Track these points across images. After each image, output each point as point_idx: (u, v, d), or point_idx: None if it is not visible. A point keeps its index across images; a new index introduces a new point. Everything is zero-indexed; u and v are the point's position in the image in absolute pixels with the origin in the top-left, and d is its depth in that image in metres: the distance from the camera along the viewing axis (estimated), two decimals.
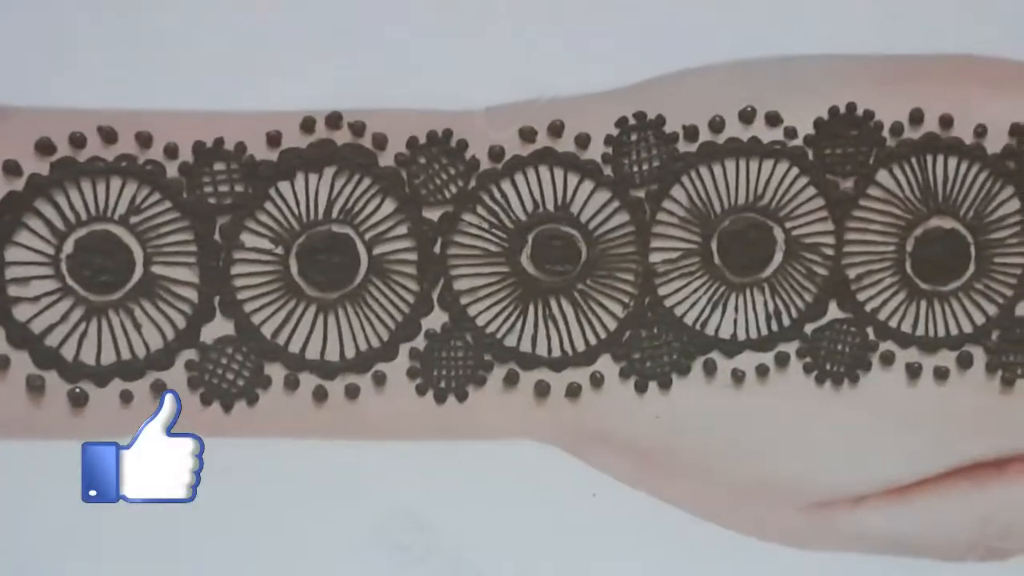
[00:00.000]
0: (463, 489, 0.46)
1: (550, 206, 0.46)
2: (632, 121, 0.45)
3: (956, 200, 0.46)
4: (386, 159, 0.45)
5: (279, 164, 0.44)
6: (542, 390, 0.46)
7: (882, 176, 0.46)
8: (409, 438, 0.46)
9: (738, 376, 0.46)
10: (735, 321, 0.46)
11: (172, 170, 0.44)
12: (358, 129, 0.45)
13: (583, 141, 0.45)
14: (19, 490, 0.44)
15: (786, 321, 0.46)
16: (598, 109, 0.45)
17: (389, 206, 0.45)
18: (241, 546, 0.45)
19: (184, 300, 0.44)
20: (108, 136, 0.43)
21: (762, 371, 0.46)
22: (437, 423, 0.46)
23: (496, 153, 0.45)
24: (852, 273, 0.46)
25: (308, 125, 0.44)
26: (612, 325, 0.46)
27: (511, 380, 0.46)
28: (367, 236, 0.45)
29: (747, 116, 0.45)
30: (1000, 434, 0.47)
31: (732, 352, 0.46)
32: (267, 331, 0.45)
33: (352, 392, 0.45)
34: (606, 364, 0.46)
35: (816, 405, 0.46)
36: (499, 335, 0.46)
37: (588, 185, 0.45)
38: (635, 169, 0.45)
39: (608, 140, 0.45)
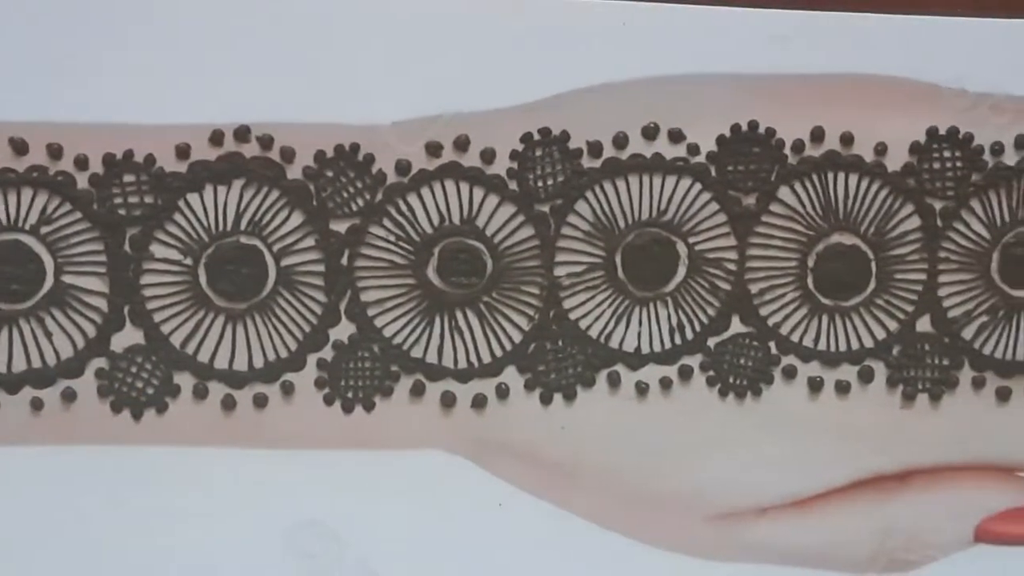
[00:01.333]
0: (371, 499, 0.46)
1: (456, 219, 0.45)
2: (537, 137, 0.45)
3: (857, 217, 0.46)
4: (294, 172, 0.45)
5: (188, 176, 0.44)
6: (448, 401, 0.45)
7: (784, 193, 0.45)
8: (317, 447, 0.45)
9: (642, 389, 0.46)
10: (639, 334, 0.46)
11: (83, 181, 0.44)
12: (266, 142, 0.44)
13: (488, 156, 0.45)
14: None
15: (689, 335, 0.46)
16: (503, 124, 0.45)
17: (297, 218, 0.45)
18: (150, 554, 0.44)
19: (94, 309, 0.44)
20: (19, 148, 0.43)
21: (666, 384, 0.46)
22: (345, 433, 0.46)
23: (403, 167, 0.45)
24: (754, 288, 0.46)
25: (216, 138, 0.44)
26: (517, 337, 0.46)
27: (417, 391, 0.45)
28: (275, 248, 0.45)
29: (650, 133, 0.45)
30: (901, 447, 0.46)
31: (636, 365, 0.46)
32: (176, 340, 0.44)
33: (260, 401, 0.45)
34: (511, 376, 0.46)
35: (719, 418, 0.46)
36: (406, 346, 0.45)
37: (493, 199, 0.45)
38: (540, 184, 0.45)
39: (513, 155, 0.45)
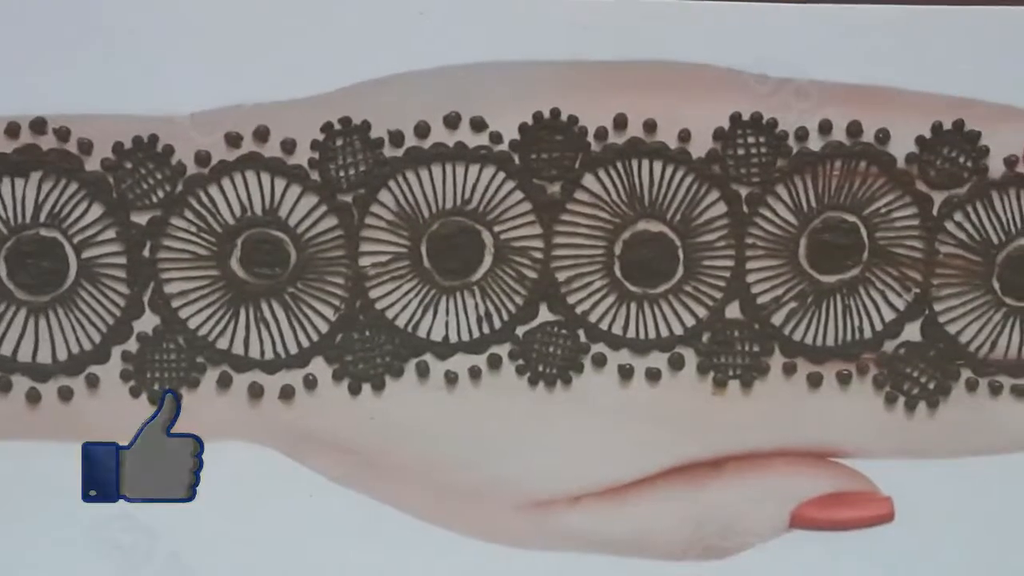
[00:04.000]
0: None
1: (258, 210, 0.43)
2: (338, 126, 0.43)
3: (663, 204, 0.43)
4: (92, 164, 0.42)
5: None
6: (256, 392, 0.43)
7: (588, 180, 0.43)
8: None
9: (451, 378, 0.43)
10: (447, 324, 0.43)
11: None
12: (63, 134, 0.42)
13: (289, 146, 0.42)
14: None
15: (497, 324, 0.43)
16: (303, 115, 0.42)
17: (97, 210, 0.42)
18: None
19: None
20: None
21: (475, 373, 0.43)
22: None
23: (202, 158, 0.42)
24: (562, 276, 0.43)
25: (13, 130, 0.42)
26: (324, 328, 0.43)
27: (224, 382, 0.43)
28: (76, 240, 0.42)
29: (452, 121, 0.43)
30: (714, 434, 0.44)
31: (444, 354, 0.43)
32: None
33: (65, 394, 0.43)
34: (319, 366, 0.43)
35: (530, 406, 0.43)
36: (211, 337, 0.43)
37: (296, 189, 0.43)
38: (342, 174, 0.43)
39: (314, 145, 0.43)
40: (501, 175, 0.44)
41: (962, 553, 0.46)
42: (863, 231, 0.45)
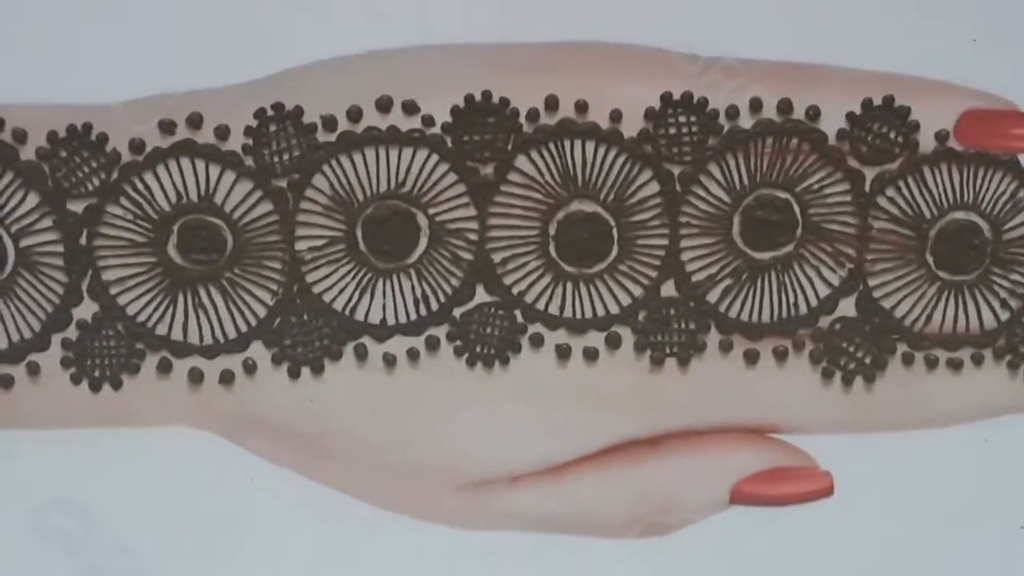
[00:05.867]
0: (122, 476, 0.43)
1: (194, 197, 0.42)
2: (270, 112, 0.42)
3: (596, 184, 0.42)
4: (27, 153, 0.41)
5: None
6: (196, 377, 0.42)
7: (521, 162, 0.42)
8: (66, 427, 0.42)
9: (389, 360, 0.42)
10: (384, 306, 0.42)
11: None
12: None
13: (223, 133, 0.41)
14: None
15: (434, 305, 0.42)
16: (236, 101, 0.42)
17: (33, 199, 0.42)
18: None
19: None
20: None
21: (413, 355, 0.42)
22: (93, 411, 0.43)
23: (136, 146, 0.41)
24: (497, 257, 0.42)
25: None
26: (262, 312, 0.42)
27: (164, 368, 0.42)
28: (12, 229, 0.41)
29: (384, 105, 0.41)
30: (652, 412, 0.43)
31: (382, 337, 0.42)
32: None
33: (6, 382, 0.42)
34: (258, 350, 0.42)
35: (468, 387, 0.42)
36: (150, 324, 0.42)
37: (230, 175, 0.42)
38: (276, 159, 0.42)
39: (248, 131, 0.42)
40: (434, 158, 0.43)
41: (901, 527, 0.45)
42: (796, 208, 0.43)
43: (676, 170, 0.44)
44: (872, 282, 0.44)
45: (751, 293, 0.44)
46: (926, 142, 0.44)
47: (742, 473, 0.45)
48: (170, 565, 0.44)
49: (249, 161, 0.43)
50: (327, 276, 0.44)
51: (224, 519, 0.44)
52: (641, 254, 0.44)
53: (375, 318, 0.44)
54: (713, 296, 0.44)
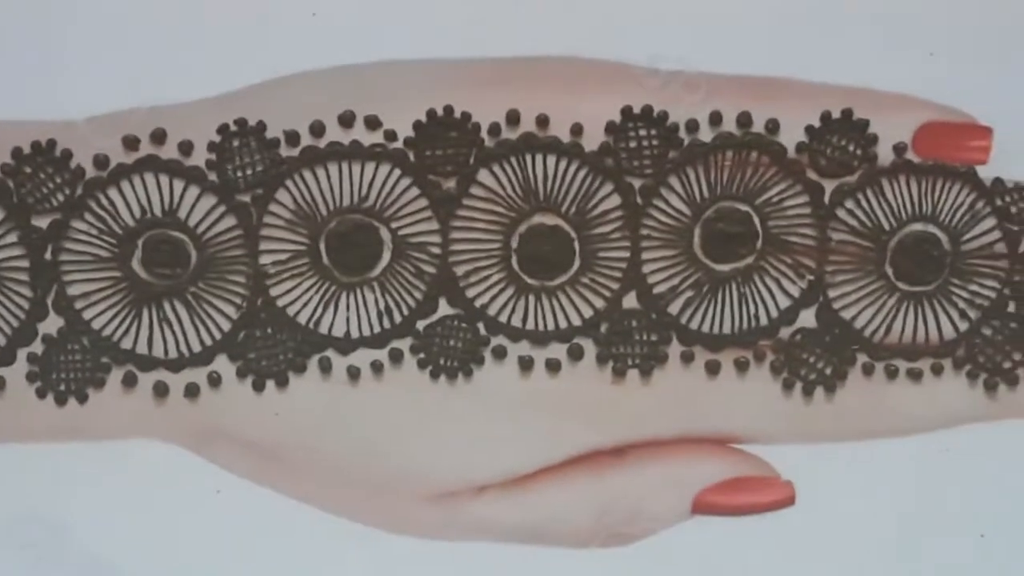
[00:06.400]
0: (89, 489, 0.43)
1: (158, 212, 0.42)
2: (233, 127, 0.41)
3: (557, 197, 0.42)
4: None
5: None
6: (161, 390, 0.42)
7: (483, 176, 0.42)
8: (33, 441, 0.42)
9: (353, 373, 0.42)
10: (348, 319, 0.42)
11: None
12: None
13: (186, 148, 0.41)
14: None
15: (398, 318, 0.42)
16: (199, 116, 0.42)
17: None
18: None
19: None
20: None
21: (377, 368, 0.42)
22: (59, 425, 0.43)
23: (100, 161, 0.41)
24: (460, 270, 0.42)
25: None
26: (226, 326, 0.42)
27: (130, 381, 0.42)
28: None
29: (347, 120, 0.41)
30: (615, 423, 0.43)
31: (346, 350, 0.42)
32: None
33: None
34: (223, 364, 0.42)
35: (432, 399, 0.42)
36: (115, 338, 0.42)
37: (194, 190, 0.42)
38: (239, 174, 0.42)
39: (211, 146, 0.42)
40: (397, 172, 0.43)
41: (863, 536, 0.45)
42: (756, 220, 0.43)
43: (637, 183, 0.44)
44: (832, 293, 0.44)
45: (712, 305, 0.44)
46: (884, 155, 0.44)
47: (704, 483, 0.45)
48: None
49: (213, 176, 0.43)
50: (291, 290, 0.44)
51: (191, 531, 0.44)
52: (603, 266, 0.44)
53: (339, 331, 0.44)
54: (674, 308, 0.44)
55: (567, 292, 0.44)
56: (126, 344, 0.44)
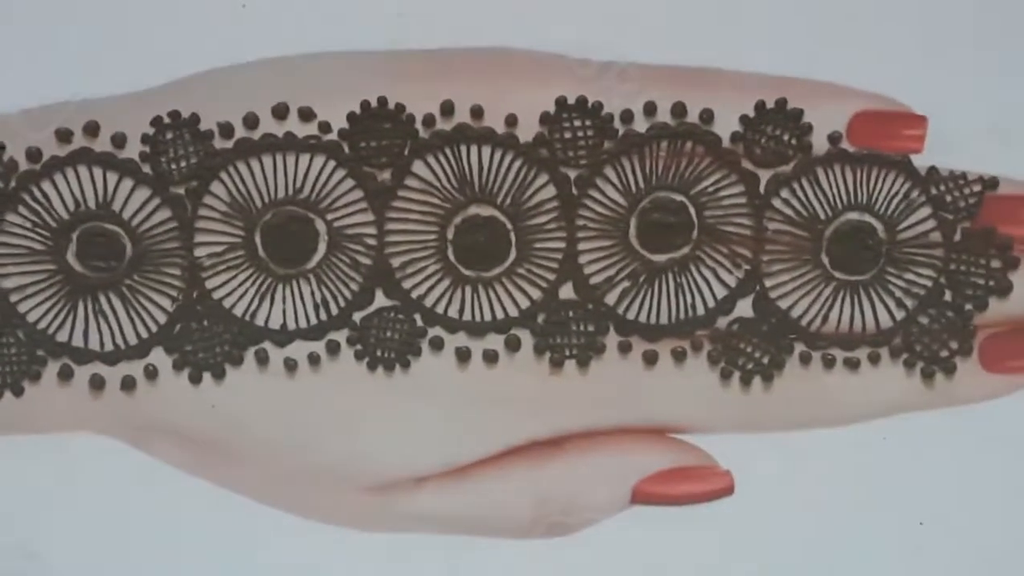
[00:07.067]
0: (27, 483, 0.42)
1: (92, 204, 0.41)
2: (167, 120, 0.41)
3: (493, 188, 0.42)
4: None
5: None
6: (97, 383, 0.42)
7: (418, 167, 0.42)
8: None
9: (290, 365, 0.42)
10: (284, 311, 0.42)
11: None
12: None
13: (120, 141, 0.41)
14: None
15: (334, 310, 0.41)
16: (133, 109, 0.41)
17: None
18: None
19: None
20: None
21: (314, 359, 0.42)
22: None
23: (33, 154, 0.41)
24: (396, 262, 0.42)
25: None
26: (162, 318, 0.42)
27: (66, 375, 0.41)
28: None
29: (280, 112, 0.41)
30: (553, 414, 0.43)
31: (283, 342, 0.42)
32: None
33: None
34: (159, 356, 0.42)
35: (369, 391, 0.42)
36: (51, 331, 0.42)
37: (128, 183, 0.41)
38: (173, 167, 0.41)
39: (145, 139, 0.41)
40: (331, 164, 0.43)
41: (802, 524, 0.44)
42: (692, 210, 0.43)
43: (572, 174, 0.44)
44: (768, 283, 0.44)
45: (649, 295, 0.44)
46: (819, 144, 0.44)
47: (643, 473, 0.44)
48: (76, 570, 0.44)
49: (147, 168, 0.43)
50: (227, 282, 0.43)
51: (129, 524, 0.44)
52: (539, 257, 0.44)
53: (275, 323, 0.44)
54: (611, 298, 0.44)
55: (504, 283, 0.44)
56: (62, 337, 0.43)
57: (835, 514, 0.45)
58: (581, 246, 0.44)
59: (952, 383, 0.44)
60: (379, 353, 0.44)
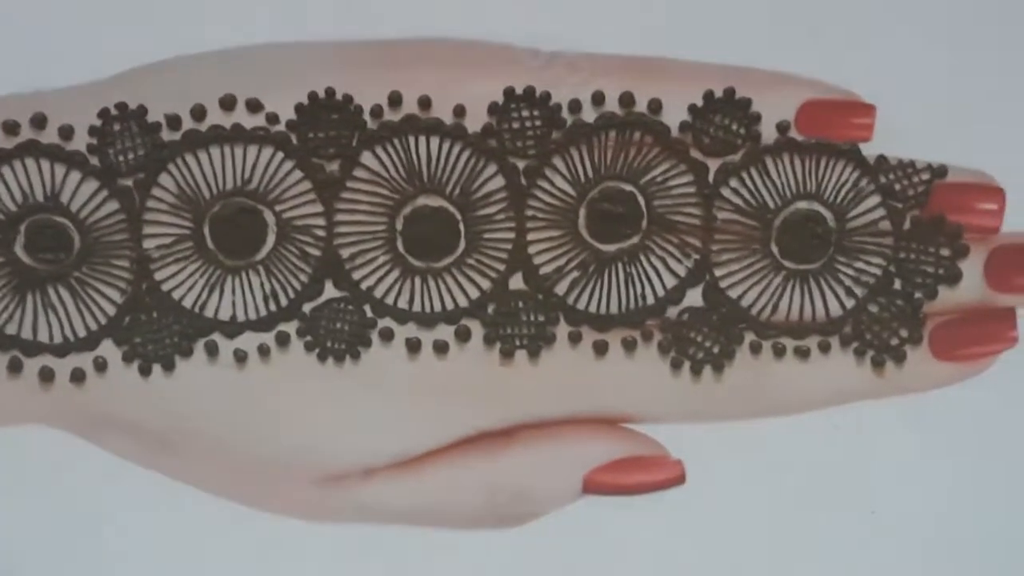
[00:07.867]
0: None
1: (40, 197, 0.41)
2: (114, 112, 0.40)
3: (441, 179, 0.41)
4: None
5: None
6: (47, 376, 0.41)
7: (367, 158, 0.41)
8: None
9: (240, 356, 0.41)
10: (233, 303, 0.42)
11: None
12: None
13: (67, 133, 0.41)
14: None
15: (284, 301, 0.41)
16: (79, 101, 0.41)
17: None
18: None
19: None
20: None
21: (264, 351, 0.41)
22: None
23: None
24: (345, 253, 0.41)
25: None
26: (111, 310, 0.41)
27: (15, 367, 0.41)
28: None
29: (228, 103, 0.41)
30: (503, 404, 0.42)
31: (233, 333, 0.41)
32: None
33: None
34: (108, 348, 0.41)
35: (320, 382, 0.42)
36: None
37: (76, 175, 0.41)
38: (121, 158, 0.41)
39: (92, 131, 0.40)
40: (279, 155, 0.42)
41: (753, 513, 0.44)
42: (641, 200, 0.43)
43: (521, 164, 0.43)
44: (718, 272, 0.44)
45: (599, 285, 0.44)
46: (768, 133, 0.44)
47: (594, 463, 0.44)
48: (28, 563, 0.44)
49: (94, 160, 0.43)
50: (176, 274, 0.43)
51: (81, 517, 0.44)
52: (488, 248, 0.43)
53: (225, 315, 0.43)
54: (561, 288, 0.44)
55: (453, 274, 0.44)
56: (10, 329, 0.43)
57: (786, 502, 0.45)
58: (530, 236, 0.44)
59: (902, 371, 0.44)
60: (329, 344, 0.43)
